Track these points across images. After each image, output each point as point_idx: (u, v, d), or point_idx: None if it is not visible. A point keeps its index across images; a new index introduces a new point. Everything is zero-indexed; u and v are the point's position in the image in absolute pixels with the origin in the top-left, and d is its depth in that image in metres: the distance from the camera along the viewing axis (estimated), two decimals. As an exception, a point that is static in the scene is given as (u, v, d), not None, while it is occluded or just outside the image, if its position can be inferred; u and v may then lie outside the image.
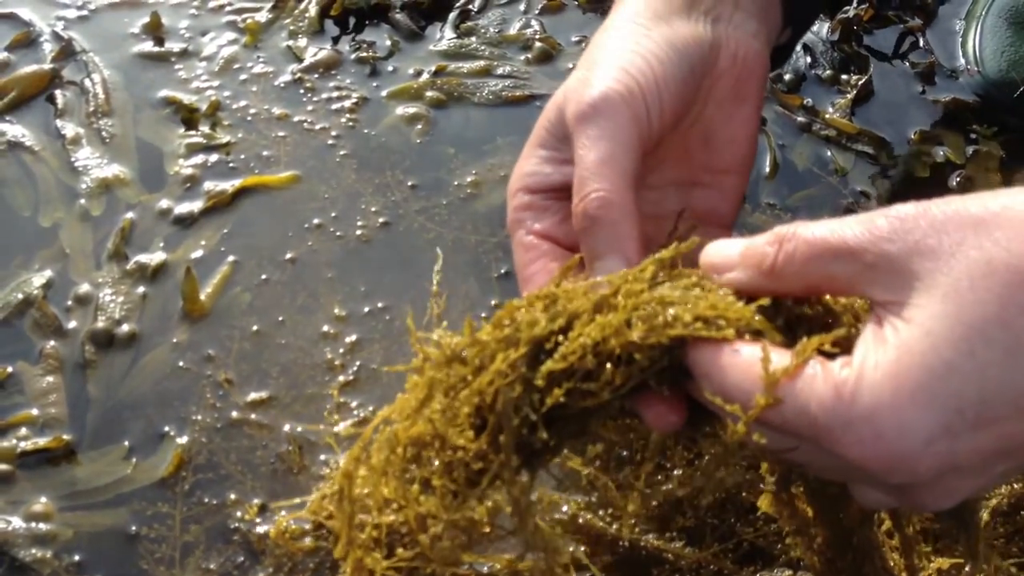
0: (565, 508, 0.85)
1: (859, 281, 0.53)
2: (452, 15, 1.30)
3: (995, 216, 0.51)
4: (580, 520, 0.85)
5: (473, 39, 1.27)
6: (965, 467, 0.51)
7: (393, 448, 0.63)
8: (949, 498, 0.53)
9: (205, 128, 1.16)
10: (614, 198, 0.64)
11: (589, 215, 0.64)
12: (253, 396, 0.94)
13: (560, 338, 0.58)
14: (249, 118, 1.18)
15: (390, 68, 1.24)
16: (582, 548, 0.84)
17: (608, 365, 0.57)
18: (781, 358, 0.54)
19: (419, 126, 1.18)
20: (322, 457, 0.90)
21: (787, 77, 1.24)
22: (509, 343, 0.59)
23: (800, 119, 1.20)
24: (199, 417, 0.93)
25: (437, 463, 0.61)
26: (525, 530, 0.62)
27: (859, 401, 0.50)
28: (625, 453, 0.85)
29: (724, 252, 0.60)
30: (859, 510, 0.67)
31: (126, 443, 0.91)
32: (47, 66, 1.21)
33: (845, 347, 0.54)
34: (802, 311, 0.58)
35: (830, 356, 0.54)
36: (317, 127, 1.17)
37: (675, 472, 0.87)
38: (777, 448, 0.56)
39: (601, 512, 0.85)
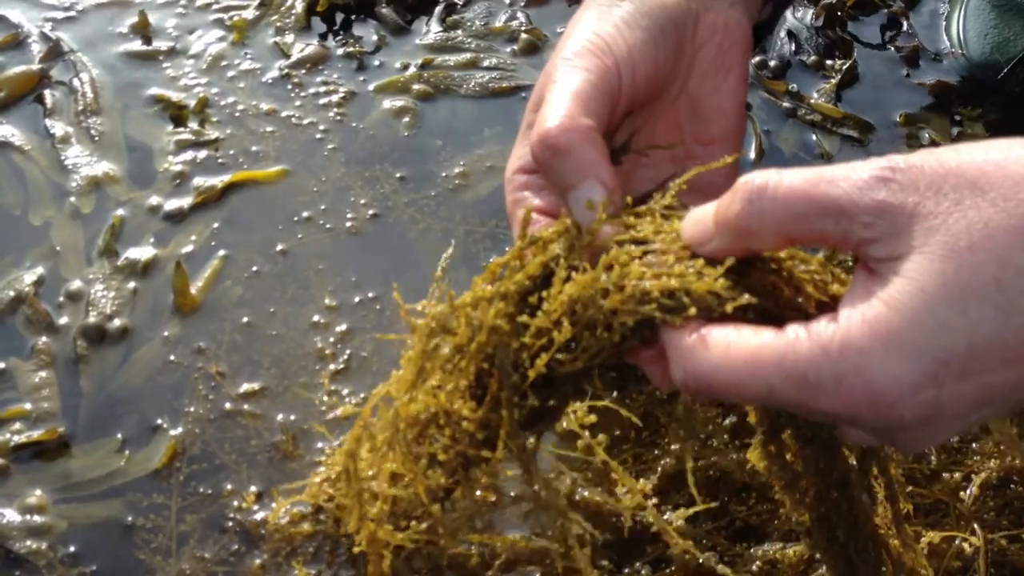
0: (562, 488, 0.86)
1: (852, 239, 0.53)
2: (438, 9, 1.30)
3: (990, 176, 0.51)
4: (577, 496, 0.85)
5: (459, 32, 1.28)
6: (949, 413, 0.52)
7: (396, 426, 0.64)
8: (932, 440, 0.54)
9: (194, 125, 1.17)
10: (574, 124, 0.62)
11: (548, 144, 0.62)
12: (245, 387, 0.95)
13: (543, 293, 0.59)
14: (237, 114, 1.18)
15: (377, 62, 1.24)
16: (582, 523, 0.84)
17: (585, 333, 0.57)
18: (749, 335, 0.54)
19: (407, 119, 1.18)
20: (318, 445, 0.91)
21: (772, 63, 1.25)
22: (495, 300, 0.59)
23: (785, 104, 1.21)
24: (192, 409, 0.93)
25: (442, 439, 0.62)
26: (532, 486, 0.63)
27: (847, 355, 0.51)
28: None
29: (699, 223, 0.58)
30: (850, 456, 0.67)
31: (119, 436, 0.92)
32: (35, 66, 1.21)
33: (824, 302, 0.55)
34: (770, 278, 0.58)
35: (811, 316, 0.54)
36: (305, 122, 1.18)
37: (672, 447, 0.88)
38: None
39: (599, 488, 0.86)
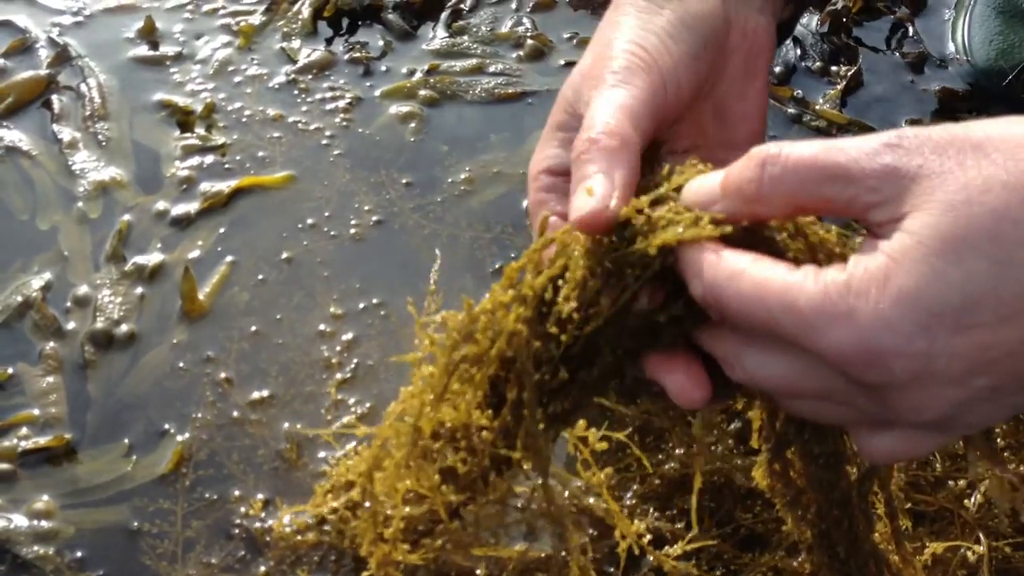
0: (566, 493, 0.86)
1: (858, 204, 0.54)
2: (444, 14, 1.31)
3: (994, 140, 0.53)
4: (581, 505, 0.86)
5: (465, 38, 1.28)
6: (943, 373, 0.52)
7: (415, 442, 0.64)
8: (928, 408, 0.54)
9: (201, 130, 1.17)
10: (621, 132, 0.64)
11: (591, 139, 0.64)
12: (253, 395, 0.95)
13: (560, 282, 0.60)
14: (244, 120, 1.19)
15: (383, 68, 1.25)
16: (588, 531, 0.85)
17: (611, 279, 0.58)
18: (765, 264, 0.55)
19: (413, 125, 1.19)
20: (321, 454, 0.91)
21: (777, 69, 1.25)
22: (514, 304, 0.60)
23: (791, 110, 1.21)
24: (199, 415, 0.94)
25: (458, 453, 0.62)
26: (545, 493, 0.63)
27: (844, 300, 0.52)
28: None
29: (704, 186, 0.59)
30: (855, 473, 0.67)
31: (126, 441, 0.92)
32: (43, 72, 1.22)
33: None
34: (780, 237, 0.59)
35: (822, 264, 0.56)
36: (311, 127, 1.18)
37: (677, 452, 0.88)
38: (767, 375, 0.57)
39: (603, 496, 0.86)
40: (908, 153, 0.53)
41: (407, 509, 0.67)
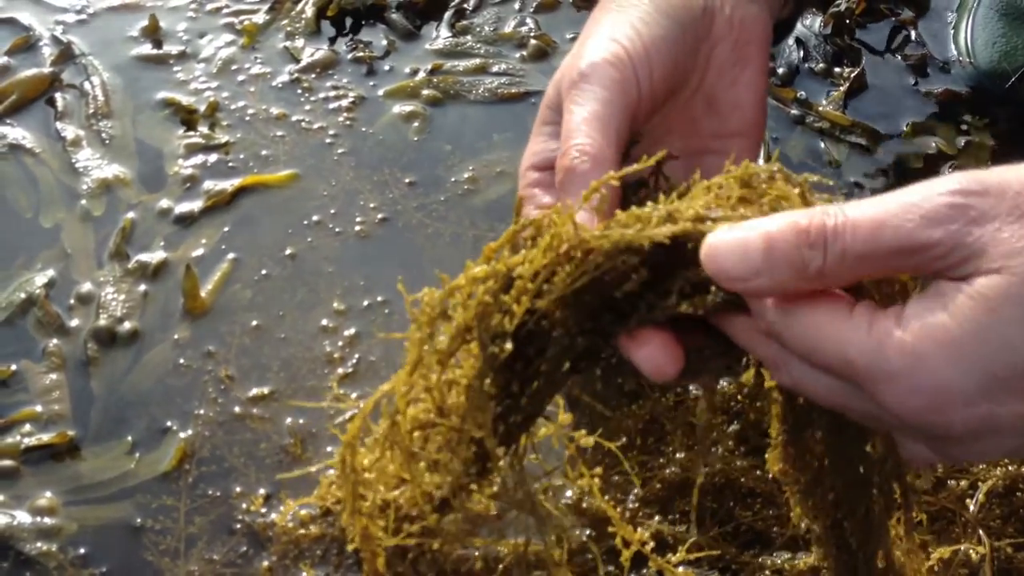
0: (569, 493, 0.87)
1: (927, 269, 0.52)
2: (447, 14, 1.31)
3: None
4: (584, 504, 0.86)
5: (468, 37, 1.28)
6: (1005, 429, 0.51)
7: (395, 422, 0.64)
8: (985, 456, 0.55)
9: (204, 129, 1.17)
10: (593, 151, 0.64)
11: (567, 167, 0.64)
12: (254, 391, 0.95)
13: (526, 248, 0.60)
14: (247, 118, 1.19)
15: (387, 67, 1.25)
16: (586, 532, 0.85)
17: (566, 265, 0.58)
18: (823, 306, 0.54)
19: (416, 124, 1.19)
20: (327, 448, 0.91)
21: (780, 71, 1.25)
22: (488, 278, 0.60)
23: (794, 112, 1.21)
24: (202, 412, 0.94)
25: (439, 438, 0.63)
26: (495, 464, 0.63)
27: (902, 356, 0.51)
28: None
29: (741, 255, 0.53)
30: (880, 444, 0.66)
31: (129, 438, 0.92)
32: (47, 69, 1.22)
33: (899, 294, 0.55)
34: None
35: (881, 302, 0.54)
36: (315, 126, 1.18)
37: (676, 456, 0.88)
38: (814, 387, 0.56)
39: (606, 496, 0.86)
40: (981, 216, 0.50)
41: (391, 493, 0.67)
